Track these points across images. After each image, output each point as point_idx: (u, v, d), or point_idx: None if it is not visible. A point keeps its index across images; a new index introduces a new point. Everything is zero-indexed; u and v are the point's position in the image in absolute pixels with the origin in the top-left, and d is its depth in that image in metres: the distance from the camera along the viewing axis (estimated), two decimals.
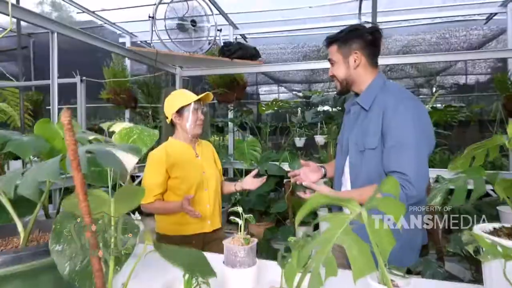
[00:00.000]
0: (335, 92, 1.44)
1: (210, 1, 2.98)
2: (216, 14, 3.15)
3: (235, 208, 0.89)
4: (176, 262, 0.49)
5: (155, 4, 2.63)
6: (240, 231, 0.88)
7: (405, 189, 1.11)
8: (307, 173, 1.45)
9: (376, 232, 0.55)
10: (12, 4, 1.46)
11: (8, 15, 1.17)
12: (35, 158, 1.21)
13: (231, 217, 0.90)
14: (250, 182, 1.61)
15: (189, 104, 1.57)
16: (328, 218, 0.54)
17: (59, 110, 2.01)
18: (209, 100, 1.64)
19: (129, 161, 0.52)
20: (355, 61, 1.29)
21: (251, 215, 0.89)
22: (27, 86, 4.34)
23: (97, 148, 0.51)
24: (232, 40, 3.84)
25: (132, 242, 0.63)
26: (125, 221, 0.65)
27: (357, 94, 1.36)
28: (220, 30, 2.71)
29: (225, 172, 3.75)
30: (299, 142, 3.86)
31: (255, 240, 0.89)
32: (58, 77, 1.97)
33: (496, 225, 0.87)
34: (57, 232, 0.60)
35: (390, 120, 1.17)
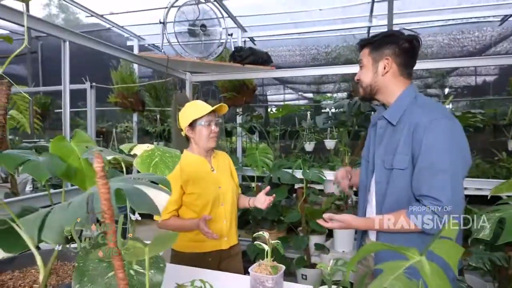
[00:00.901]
0: (358, 97, 1.37)
1: (219, 4, 2.94)
2: (225, 17, 3.11)
3: (260, 233, 0.84)
4: None
5: (166, 8, 2.59)
6: (268, 257, 0.83)
7: (435, 214, 1.02)
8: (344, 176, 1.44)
9: (433, 280, 0.49)
10: (29, 15, 1.43)
11: (22, 25, 1.14)
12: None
13: (256, 242, 0.85)
14: (262, 201, 1.54)
15: (202, 117, 1.51)
16: (385, 264, 0.49)
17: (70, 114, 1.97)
18: (224, 111, 1.58)
19: (162, 200, 0.47)
20: (384, 67, 1.21)
21: (279, 242, 0.84)
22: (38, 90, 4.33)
23: (126, 186, 0.47)
24: (241, 43, 3.80)
25: (159, 278, 0.58)
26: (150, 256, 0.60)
27: (383, 106, 1.29)
28: (231, 35, 2.67)
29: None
30: (309, 146, 3.80)
31: (283, 268, 0.84)
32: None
33: None
34: (80, 270, 0.56)
35: (422, 140, 1.08)
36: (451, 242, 0.50)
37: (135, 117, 4.28)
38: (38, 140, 4.13)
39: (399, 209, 1.10)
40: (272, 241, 0.83)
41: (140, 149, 0.78)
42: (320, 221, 1.20)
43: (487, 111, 3.62)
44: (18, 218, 0.62)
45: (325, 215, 1.22)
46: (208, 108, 1.52)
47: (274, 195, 1.57)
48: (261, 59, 2.58)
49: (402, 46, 1.19)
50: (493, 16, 3.86)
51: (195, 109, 1.53)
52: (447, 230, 0.50)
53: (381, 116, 1.25)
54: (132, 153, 0.78)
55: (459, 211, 1.02)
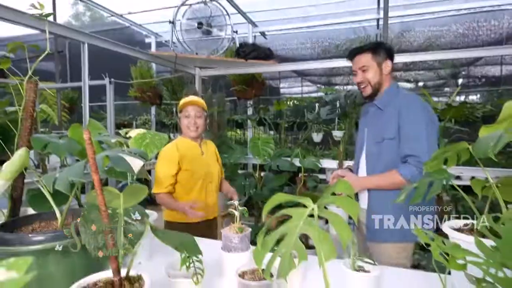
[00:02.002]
0: (364, 96, 1.61)
1: (228, 1, 3.11)
2: (234, 14, 3.27)
3: (232, 202, 1.03)
4: (168, 242, 0.64)
5: (176, 6, 2.80)
6: (236, 221, 1.03)
7: (419, 168, 1.33)
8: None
9: (337, 224, 0.65)
10: (49, 22, 1.67)
11: (44, 31, 1.37)
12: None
13: (229, 209, 1.05)
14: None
15: (182, 110, 1.80)
16: (291, 211, 0.67)
17: (91, 108, 2.25)
18: (201, 105, 1.81)
19: (136, 164, 0.67)
20: (387, 68, 1.54)
21: (245, 208, 1.03)
22: (64, 86, 4.71)
23: (112, 153, 0.67)
24: (251, 38, 3.96)
25: (142, 228, 0.79)
26: (135, 211, 0.81)
27: (370, 98, 1.59)
28: (236, 32, 2.84)
29: (244, 166, 3.92)
30: (317, 137, 3.93)
31: (249, 229, 1.03)
32: (91, 78, 2.22)
33: (467, 221, 0.95)
34: (85, 218, 0.77)
35: (405, 116, 1.42)
36: (349, 198, 0.67)
37: (153, 110, 4.56)
38: (66, 131, 4.51)
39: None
40: (241, 208, 1.02)
41: (134, 132, 0.99)
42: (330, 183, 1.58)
43: (497, 102, 3.58)
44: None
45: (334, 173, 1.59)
46: (184, 100, 1.80)
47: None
48: (263, 54, 2.73)
49: (391, 51, 1.56)
50: (510, 4, 3.78)
51: (182, 102, 1.81)
52: (341, 187, 0.66)
53: (373, 104, 1.59)
54: (128, 136, 0.99)
55: None
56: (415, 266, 2.20)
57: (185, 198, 1.73)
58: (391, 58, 1.56)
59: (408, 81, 5.47)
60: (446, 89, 5.39)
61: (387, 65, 1.55)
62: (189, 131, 1.80)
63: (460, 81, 5.12)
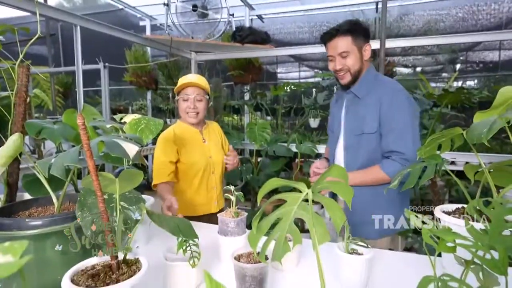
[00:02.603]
0: (342, 84, 1.45)
1: None
2: None
3: (228, 187, 1.04)
4: (164, 227, 0.65)
5: None
6: (233, 206, 1.04)
7: (403, 165, 1.25)
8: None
9: (331, 209, 0.66)
10: (39, 3, 1.62)
11: (35, 13, 1.34)
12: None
13: (226, 194, 1.05)
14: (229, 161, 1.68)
15: (180, 91, 1.56)
16: (286, 196, 0.68)
17: (86, 93, 2.22)
18: (203, 86, 1.56)
19: (132, 149, 0.67)
20: (367, 52, 1.38)
21: (241, 193, 1.04)
22: (58, 70, 4.62)
23: (107, 139, 0.67)
24: (248, 21, 3.88)
25: (139, 213, 0.79)
26: (132, 196, 0.81)
27: (348, 85, 1.44)
28: (232, 15, 2.78)
29: (241, 152, 3.93)
30: (314, 123, 3.93)
31: (245, 214, 1.05)
32: (85, 63, 2.18)
33: (460, 205, 0.97)
34: (81, 203, 0.77)
35: (388, 109, 1.31)
36: (343, 184, 0.67)
37: (149, 95, 4.51)
38: (60, 116, 4.47)
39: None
40: (237, 193, 1.03)
41: (129, 118, 0.98)
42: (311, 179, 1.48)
43: (494, 88, 3.58)
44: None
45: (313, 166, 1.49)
46: (182, 81, 1.55)
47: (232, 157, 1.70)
48: (260, 38, 2.69)
49: (367, 32, 1.38)
50: None
51: (179, 83, 1.57)
52: (335, 173, 0.67)
53: (349, 91, 1.45)
54: (123, 121, 0.99)
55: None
56: (408, 249, 2.25)
57: (182, 194, 1.57)
58: (368, 40, 1.39)
59: (406, 66, 5.44)
60: (444, 74, 5.37)
61: (366, 49, 1.38)
62: (187, 116, 1.58)
63: (458, 66, 5.09)
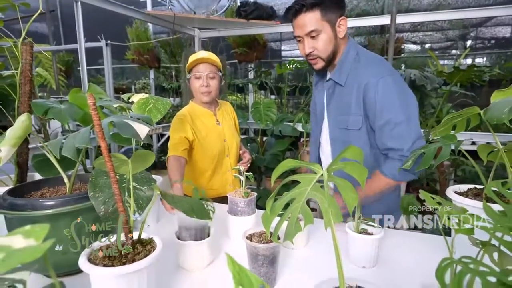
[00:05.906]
0: (315, 70, 1.24)
1: None
2: None
3: (237, 167, 1.03)
4: (178, 206, 0.65)
5: None
6: (242, 186, 1.04)
7: (402, 162, 1.08)
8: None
9: (344, 190, 0.66)
10: None
11: None
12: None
13: (234, 175, 1.05)
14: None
15: (191, 68, 1.48)
16: (299, 177, 0.67)
17: (88, 72, 2.18)
18: (215, 62, 1.50)
19: (143, 130, 0.66)
20: (342, 27, 1.14)
21: (251, 173, 1.03)
22: (59, 49, 4.54)
23: (117, 120, 0.65)
24: None
25: (150, 193, 0.79)
26: (144, 176, 0.81)
27: (323, 70, 1.24)
28: None
29: (245, 131, 3.91)
30: None
31: (254, 194, 1.05)
32: (86, 41, 2.12)
33: (471, 186, 0.96)
34: (93, 183, 0.77)
35: (375, 100, 1.10)
36: (358, 164, 0.66)
37: (152, 74, 4.45)
38: (64, 96, 4.45)
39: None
40: (246, 173, 1.03)
41: (137, 97, 0.96)
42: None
43: (505, 65, 3.48)
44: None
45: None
46: (193, 57, 1.47)
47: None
48: (266, 13, 2.60)
49: (341, 2, 1.13)
50: None
51: (191, 59, 1.48)
52: (350, 154, 0.66)
53: (329, 78, 1.25)
54: (130, 100, 0.97)
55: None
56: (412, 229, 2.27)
57: (197, 177, 1.53)
58: (344, 12, 1.13)
59: (414, 43, 5.28)
60: (453, 51, 5.22)
61: (341, 24, 1.13)
62: (201, 95, 1.51)
63: (468, 43, 4.95)
